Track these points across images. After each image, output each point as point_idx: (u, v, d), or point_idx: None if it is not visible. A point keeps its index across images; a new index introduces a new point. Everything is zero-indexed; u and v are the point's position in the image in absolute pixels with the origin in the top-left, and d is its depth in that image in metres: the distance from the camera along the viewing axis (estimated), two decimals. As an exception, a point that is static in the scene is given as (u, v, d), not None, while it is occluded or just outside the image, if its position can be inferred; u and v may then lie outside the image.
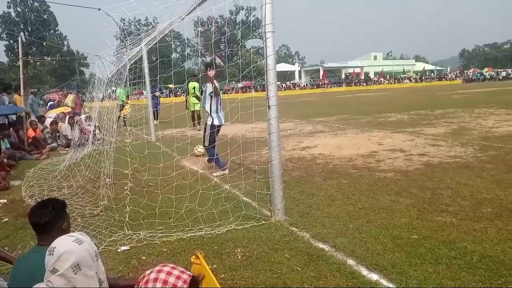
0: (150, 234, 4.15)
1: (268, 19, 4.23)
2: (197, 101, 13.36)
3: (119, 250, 3.81)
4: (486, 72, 75.04)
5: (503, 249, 3.32)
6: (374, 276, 3.01)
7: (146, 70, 11.56)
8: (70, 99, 17.30)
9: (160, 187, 5.51)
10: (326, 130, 12.43)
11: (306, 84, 69.70)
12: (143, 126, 11.39)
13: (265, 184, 5.18)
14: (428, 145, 8.55)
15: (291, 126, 13.99)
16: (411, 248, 3.45)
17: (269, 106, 4.32)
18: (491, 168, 6.13)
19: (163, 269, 1.98)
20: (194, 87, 13.85)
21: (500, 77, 69.56)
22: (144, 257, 3.66)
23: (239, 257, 3.51)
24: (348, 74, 73.49)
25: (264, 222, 4.30)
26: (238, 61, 6.45)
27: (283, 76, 79.98)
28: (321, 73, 71.05)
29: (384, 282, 2.92)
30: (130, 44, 8.94)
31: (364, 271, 3.10)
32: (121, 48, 9.35)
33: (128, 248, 3.86)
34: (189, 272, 2.04)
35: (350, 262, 3.27)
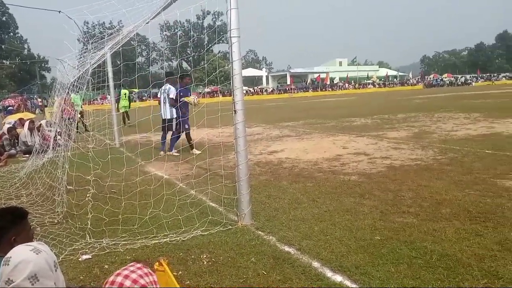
0: (113, 242, 4.04)
1: (234, 25, 4.23)
2: (127, 104, 18.13)
3: (80, 259, 3.69)
4: (446, 78, 78.26)
5: (460, 248, 3.45)
6: (338, 278, 3.05)
7: (110, 75, 11.31)
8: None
9: (123, 193, 5.39)
10: (293, 134, 12.56)
11: (274, 89, 70.32)
12: (106, 131, 11.12)
13: (232, 189, 5.16)
14: (391, 148, 8.80)
15: (259, 131, 14.04)
16: (374, 249, 3.52)
17: (235, 111, 4.32)
18: (450, 170, 6.37)
19: (129, 269, 1.96)
20: (125, 93, 18.14)
21: (459, 83, 72.78)
22: (106, 266, 3.55)
23: (205, 263, 3.48)
24: (314, 80, 74.67)
25: (230, 227, 4.28)
26: (205, 66, 6.47)
27: (251, 81, 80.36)
28: (288, 78, 71.88)
29: (348, 283, 2.97)
30: (93, 48, 8.72)
31: (329, 273, 3.14)
32: (84, 52, 9.11)
33: (90, 257, 3.74)
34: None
35: (315, 264, 3.31)
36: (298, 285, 3.00)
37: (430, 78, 79.56)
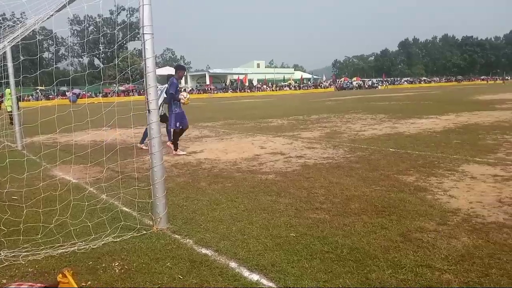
0: (13, 254, 3.65)
1: (146, 21, 4.08)
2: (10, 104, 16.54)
3: (-30, 276, 3.28)
4: (355, 81, 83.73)
5: (368, 241, 3.67)
6: (255, 277, 3.07)
7: (11, 71, 10.29)
8: None
9: (25, 200, 4.92)
10: (212, 135, 12.50)
11: (193, 89, 69.56)
12: (3, 132, 10.10)
13: (147, 192, 4.96)
14: (305, 148, 9.15)
15: (176, 131, 13.75)
16: (289, 246, 3.61)
17: (149, 110, 4.16)
18: (358, 167, 6.79)
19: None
20: (10, 93, 15.93)
21: (366, 86, 78.25)
22: (5, 280, 3.20)
23: (117, 271, 3.29)
24: (234, 80, 75.29)
25: (145, 232, 4.11)
26: (119, 63, 6.17)
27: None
28: (207, 78, 71.62)
29: (264, 281, 3.00)
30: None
31: (246, 273, 3.14)
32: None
33: (-17, 272, 3.34)
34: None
35: (233, 264, 3.29)
36: (216, 286, 2.96)
37: (341, 81, 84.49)
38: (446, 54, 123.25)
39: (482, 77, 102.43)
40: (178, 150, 8.94)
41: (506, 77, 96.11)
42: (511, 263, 3.11)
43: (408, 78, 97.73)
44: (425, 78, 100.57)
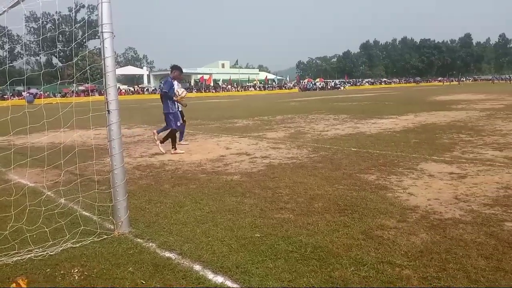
0: (-39, 264, 3.45)
1: (105, 19, 3.97)
2: None
3: None
4: (318, 82, 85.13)
5: (331, 239, 3.73)
6: (219, 279, 3.04)
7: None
8: None
9: (-24, 206, 4.65)
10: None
11: (156, 89, 68.42)
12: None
13: (108, 195, 4.82)
14: (270, 148, 9.20)
15: (140, 132, 13.50)
16: (253, 246, 3.61)
17: (108, 111, 4.04)
18: (322, 167, 6.90)
19: None
20: None
21: (329, 87, 79.70)
22: (-49, 294, 3.01)
23: (76, 277, 3.17)
24: (198, 80, 74.64)
25: (106, 236, 3.98)
26: (79, 62, 5.97)
27: (131, 80, 77.05)
28: (171, 78, 70.57)
29: (229, 283, 2.98)
30: None
31: (210, 275, 3.11)
32: None
33: None
34: None
35: (197, 267, 3.25)
36: (179, 291, 2.91)
37: (304, 82, 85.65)
38: (405, 56, 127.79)
39: (439, 78, 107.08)
40: (178, 149, 8.99)
41: (462, 79, 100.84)
42: (466, 258, 3.24)
43: (369, 79, 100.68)
44: (385, 79, 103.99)
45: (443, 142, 9.19)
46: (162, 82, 8.96)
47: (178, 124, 8.93)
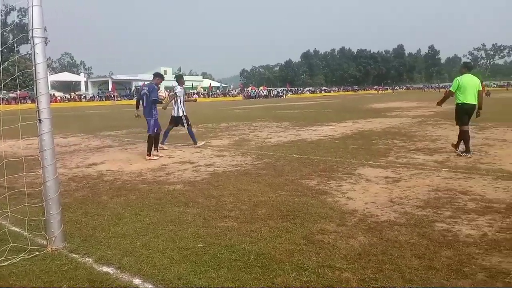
0: None
1: (36, 24, 3.76)
2: None
3: None
4: (261, 90, 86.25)
5: (274, 245, 3.77)
6: (161, 292, 2.96)
7: None
8: None
9: None
10: (115, 144, 11.91)
11: (95, 96, 65.80)
12: None
13: (41, 209, 4.52)
14: (214, 155, 9.15)
15: (76, 141, 12.86)
16: (196, 257, 3.55)
17: (40, 120, 3.81)
18: (265, 173, 6.97)
19: None
20: None
21: (272, 95, 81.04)
22: None
23: (3, 300, 2.94)
24: (139, 87, 72.72)
25: (38, 253, 3.74)
26: (9, 68, 5.59)
27: (67, 87, 73.59)
28: (110, 84, 68.31)
29: (170, 296, 2.91)
30: None
31: (151, 289, 3.01)
32: None
33: None
34: None
35: (136, 281, 3.14)
36: (117, 307, 2.79)
37: (248, 90, 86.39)
38: (344, 66, 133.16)
39: (375, 87, 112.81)
40: (152, 155, 9.10)
41: (395, 87, 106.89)
42: (401, 258, 3.41)
43: (310, 88, 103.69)
44: (325, 88, 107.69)
45: (378, 148, 9.65)
46: (146, 89, 9.11)
47: (155, 130, 9.20)
